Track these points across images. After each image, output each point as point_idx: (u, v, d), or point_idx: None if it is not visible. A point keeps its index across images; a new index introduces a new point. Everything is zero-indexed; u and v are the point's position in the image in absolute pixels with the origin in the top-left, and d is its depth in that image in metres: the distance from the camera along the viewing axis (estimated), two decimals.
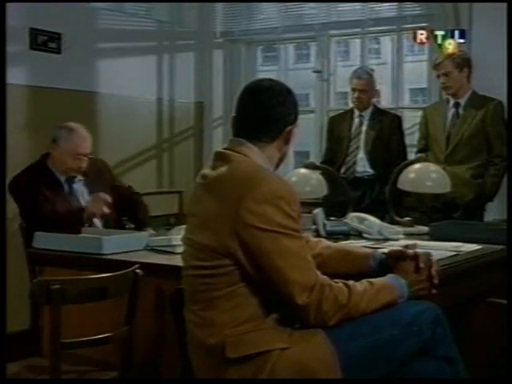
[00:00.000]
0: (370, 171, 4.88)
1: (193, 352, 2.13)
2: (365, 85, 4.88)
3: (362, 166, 4.89)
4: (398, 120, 5.00)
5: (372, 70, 5.12)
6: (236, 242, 1.99)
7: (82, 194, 3.71)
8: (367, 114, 4.95)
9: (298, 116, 2.23)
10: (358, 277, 2.15)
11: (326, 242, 2.46)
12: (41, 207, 3.50)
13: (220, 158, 2.15)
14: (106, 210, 3.52)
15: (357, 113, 4.97)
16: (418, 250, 2.27)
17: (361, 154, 4.90)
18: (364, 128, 4.92)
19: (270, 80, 2.26)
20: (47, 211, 3.49)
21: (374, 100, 5.05)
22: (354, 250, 2.45)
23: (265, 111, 2.15)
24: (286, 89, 2.21)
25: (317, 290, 1.98)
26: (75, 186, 3.70)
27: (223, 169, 2.10)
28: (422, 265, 2.18)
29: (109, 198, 3.56)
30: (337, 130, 5.04)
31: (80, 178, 3.72)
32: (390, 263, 2.27)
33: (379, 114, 4.98)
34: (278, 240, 1.99)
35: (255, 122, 2.17)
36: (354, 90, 4.92)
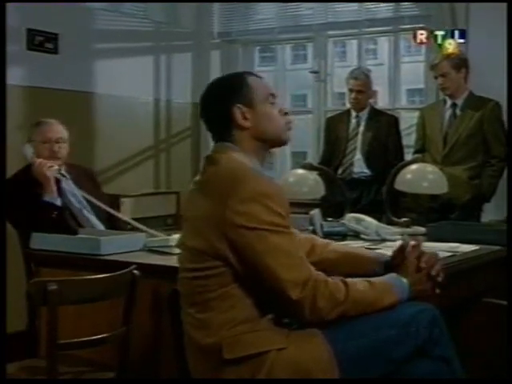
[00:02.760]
0: (367, 172, 4.88)
1: (190, 353, 2.13)
2: (362, 85, 4.89)
3: (359, 166, 4.90)
4: (394, 121, 5.00)
5: (369, 70, 5.12)
6: (225, 243, 1.99)
7: (72, 193, 3.70)
8: (364, 114, 4.95)
9: (246, 96, 2.17)
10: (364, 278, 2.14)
11: (332, 245, 2.45)
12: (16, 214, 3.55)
13: (209, 161, 2.17)
14: (49, 173, 3.58)
15: (354, 114, 4.97)
16: (422, 250, 2.24)
17: (358, 155, 4.90)
18: (361, 129, 4.93)
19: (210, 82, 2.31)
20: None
21: (371, 101, 5.05)
22: (360, 252, 2.43)
23: (203, 113, 2.24)
24: (214, 82, 2.27)
25: (310, 286, 1.97)
26: (64, 185, 3.70)
27: (211, 170, 2.12)
28: (422, 264, 2.16)
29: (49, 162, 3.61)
30: (334, 131, 5.05)
31: (63, 172, 3.71)
32: (395, 264, 2.25)
33: (376, 114, 4.98)
34: (267, 238, 1.98)
35: (207, 125, 2.23)
36: (351, 90, 4.92)
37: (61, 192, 3.66)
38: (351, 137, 4.94)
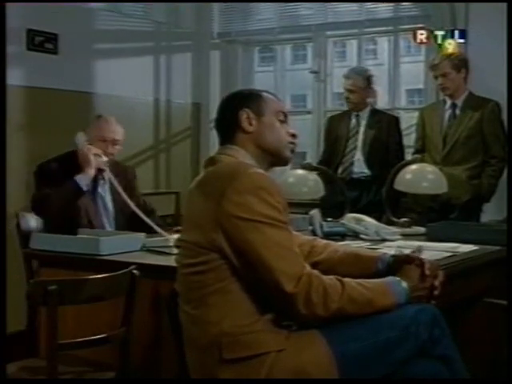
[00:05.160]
0: (367, 172, 4.88)
1: (188, 350, 2.12)
2: (352, 85, 4.84)
3: (359, 166, 4.89)
4: (395, 121, 5.00)
5: (365, 70, 5.08)
6: (220, 234, 2.00)
7: (104, 199, 3.69)
8: (364, 114, 4.94)
9: (255, 103, 2.25)
10: (365, 278, 2.13)
11: (333, 246, 2.45)
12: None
13: (209, 162, 2.21)
14: (95, 160, 3.52)
15: (354, 113, 4.97)
16: (424, 257, 2.25)
17: (358, 155, 4.89)
18: (361, 129, 4.92)
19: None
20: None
21: (370, 100, 5.03)
22: (362, 252, 2.43)
23: (216, 118, 2.33)
24: (233, 91, 2.41)
25: (304, 281, 1.97)
26: (99, 189, 3.68)
27: (209, 169, 2.16)
28: (427, 272, 2.16)
29: (98, 151, 3.56)
30: (334, 130, 5.04)
31: (108, 173, 3.62)
32: (397, 266, 2.25)
33: (377, 114, 4.98)
34: (261, 230, 1.98)
35: (217, 130, 2.31)
36: (344, 89, 4.92)
37: (94, 195, 3.63)
38: (351, 136, 4.93)
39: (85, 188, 3.51)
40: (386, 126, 4.91)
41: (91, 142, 3.65)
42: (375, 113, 4.98)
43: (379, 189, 4.42)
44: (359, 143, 4.90)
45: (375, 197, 4.70)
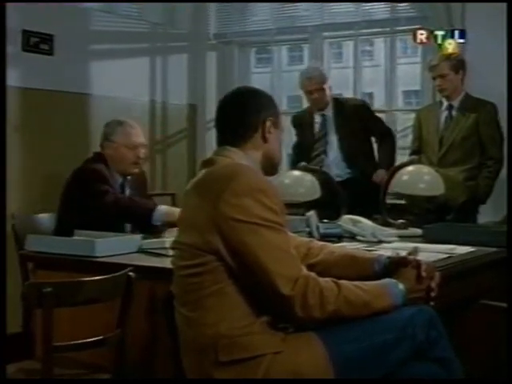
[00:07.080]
0: (349, 171, 4.78)
1: (184, 353, 2.12)
2: (319, 83, 4.71)
3: (338, 168, 4.76)
4: (362, 106, 4.84)
5: (319, 67, 4.95)
6: (217, 236, 1.99)
7: None
8: (329, 111, 4.79)
9: (276, 114, 2.26)
10: (361, 280, 2.13)
11: (329, 247, 2.45)
12: (110, 197, 3.44)
13: (205, 164, 2.20)
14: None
15: (318, 114, 4.83)
16: (420, 258, 2.25)
17: (334, 156, 4.78)
18: (331, 129, 4.77)
19: (238, 88, 2.42)
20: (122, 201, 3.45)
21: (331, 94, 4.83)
22: (358, 254, 2.43)
23: (227, 116, 2.26)
24: (249, 91, 2.36)
25: (301, 282, 1.96)
26: (127, 191, 3.69)
27: (206, 171, 2.15)
28: (423, 273, 2.16)
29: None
30: (301, 135, 4.93)
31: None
32: (393, 268, 2.25)
33: (340, 105, 4.78)
34: (258, 232, 1.98)
35: (224, 128, 2.26)
36: (310, 92, 4.75)
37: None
38: (317, 140, 4.79)
39: (156, 223, 3.42)
40: (354, 116, 4.72)
41: (120, 151, 3.62)
42: (338, 105, 4.79)
43: (366, 187, 4.35)
44: (334, 144, 4.78)
45: (362, 196, 4.52)
